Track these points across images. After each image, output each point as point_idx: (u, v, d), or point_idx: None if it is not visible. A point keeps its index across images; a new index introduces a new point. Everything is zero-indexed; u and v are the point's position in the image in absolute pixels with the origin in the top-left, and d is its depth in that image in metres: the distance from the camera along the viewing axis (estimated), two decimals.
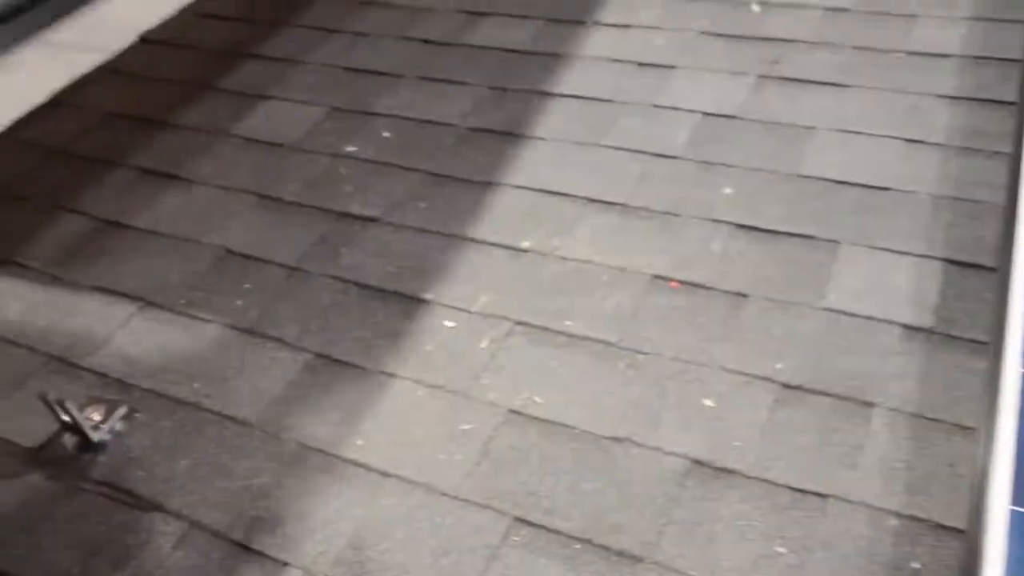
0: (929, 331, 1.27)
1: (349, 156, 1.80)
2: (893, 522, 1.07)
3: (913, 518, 1.07)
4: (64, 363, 1.48)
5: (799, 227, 1.45)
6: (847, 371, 1.24)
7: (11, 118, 2.09)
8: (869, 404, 1.19)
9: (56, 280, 1.65)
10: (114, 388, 1.41)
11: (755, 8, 1.96)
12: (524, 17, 2.10)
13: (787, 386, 1.24)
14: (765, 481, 1.13)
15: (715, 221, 1.49)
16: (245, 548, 1.18)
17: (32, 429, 1.37)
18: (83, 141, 2.00)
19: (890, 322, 1.29)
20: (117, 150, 1.95)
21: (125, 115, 2.06)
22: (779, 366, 1.26)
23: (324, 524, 1.19)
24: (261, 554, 1.17)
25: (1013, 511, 0.94)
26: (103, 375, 1.44)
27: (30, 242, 1.75)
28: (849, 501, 1.10)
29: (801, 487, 1.12)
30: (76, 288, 1.63)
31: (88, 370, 1.45)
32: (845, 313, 1.32)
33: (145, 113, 2.05)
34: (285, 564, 1.15)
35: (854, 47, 1.79)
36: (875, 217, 1.44)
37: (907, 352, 1.25)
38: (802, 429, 1.18)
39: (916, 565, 1.02)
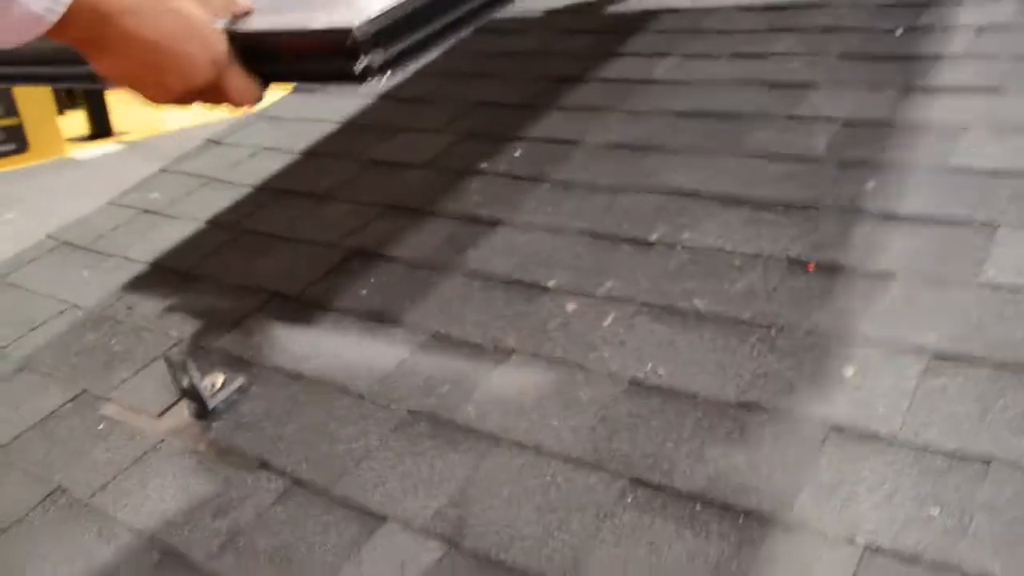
0: None
1: (479, 171, 1.81)
2: None
3: None
4: (193, 345, 1.51)
5: (950, 213, 1.34)
6: (1011, 340, 1.10)
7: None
8: None
9: (192, 278, 1.71)
10: (236, 365, 1.42)
11: (899, 33, 1.89)
12: (661, 55, 2.10)
13: (940, 356, 1.11)
14: (915, 446, 1.00)
15: (857, 211, 1.40)
16: (346, 503, 1.13)
17: (157, 399, 1.40)
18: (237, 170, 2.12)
19: None
20: (251, 173, 2.05)
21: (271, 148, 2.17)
22: (931, 336, 1.13)
23: (427, 483, 1.13)
24: (360, 509, 1.12)
25: None
26: (227, 353, 1.46)
27: (168, 248, 1.84)
28: (1019, 466, 0.95)
29: (958, 452, 0.98)
30: (211, 283, 1.68)
31: (214, 350, 1.48)
32: (1007, 287, 1.18)
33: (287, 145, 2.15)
34: (383, 518, 1.09)
35: (1013, 55, 1.69)
36: None
37: None
38: (958, 396, 1.05)
39: None
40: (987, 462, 0.96)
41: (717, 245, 1.41)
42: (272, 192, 1.98)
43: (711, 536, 0.97)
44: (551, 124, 1.93)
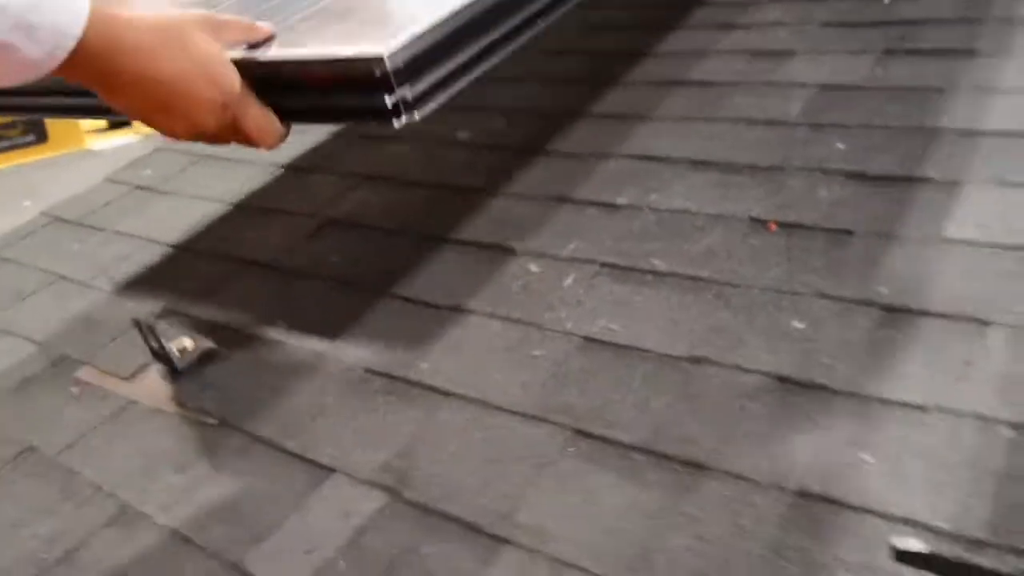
0: None
1: (459, 142, 1.82)
2: (1008, 433, 0.90)
3: None
4: (168, 311, 1.53)
5: (918, 172, 1.32)
6: (962, 294, 1.09)
7: None
8: (986, 322, 1.04)
9: (177, 248, 1.74)
10: (207, 330, 1.44)
11: (887, 1, 1.86)
12: (635, 28, 2.09)
13: (891, 308, 1.10)
14: (856, 395, 0.99)
15: (824, 171, 1.38)
16: (298, 457, 1.14)
17: (130, 362, 1.42)
18: None
19: (1017, 248, 1.13)
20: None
21: None
22: (883, 290, 1.12)
23: (377, 437, 1.14)
24: (312, 462, 1.13)
25: None
26: (198, 319, 1.48)
27: (156, 222, 1.86)
28: (955, 412, 0.94)
29: (897, 400, 0.97)
30: (193, 254, 1.70)
31: (187, 316, 1.50)
32: (964, 242, 1.17)
33: None
34: (332, 470, 1.11)
35: (997, 18, 1.66)
36: (1008, 158, 1.29)
37: None
38: (904, 347, 1.04)
39: None
40: (924, 409, 0.95)
41: (683, 207, 1.40)
42: (262, 167, 1.99)
43: (648, 485, 0.97)
44: (532, 95, 1.93)
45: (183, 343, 1.38)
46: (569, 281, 1.31)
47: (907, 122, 1.45)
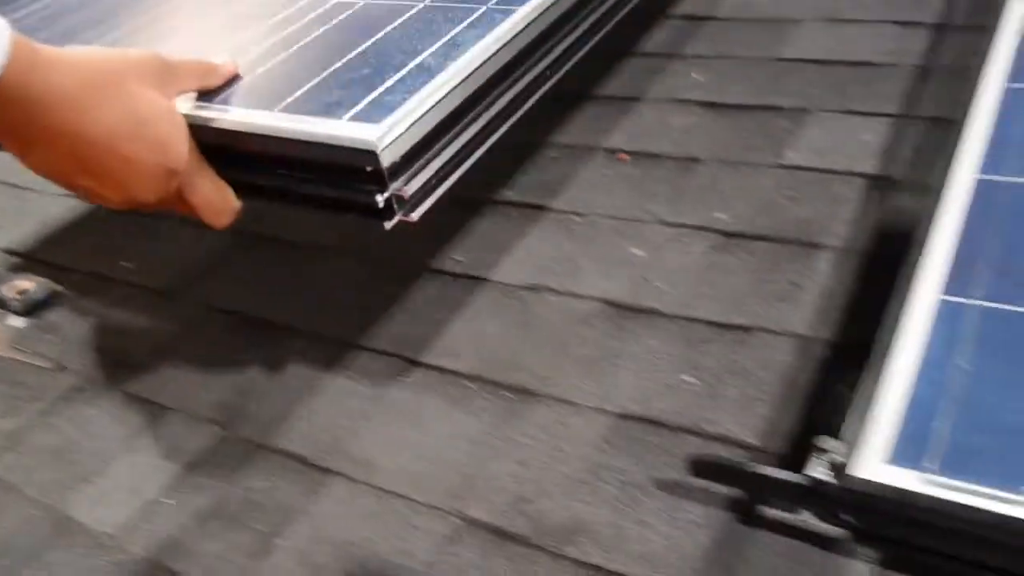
0: (894, 180, 1.12)
1: None
2: (822, 352, 0.92)
3: (847, 345, 0.92)
4: (12, 254, 1.46)
5: (768, 100, 1.33)
6: (796, 218, 1.10)
7: None
8: (815, 245, 1.05)
9: (25, 190, 1.66)
10: (51, 271, 1.38)
11: None
12: None
13: (726, 233, 1.11)
14: (685, 319, 1.00)
15: (678, 101, 1.38)
16: (134, 397, 1.11)
17: None
18: None
19: (852, 173, 1.15)
20: None
21: None
22: (721, 216, 1.13)
23: (217, 376, 1.11)
24: (148, 401, 1.10)
25: (942, 300, 0.79)
26: (44, 261, 1.42)
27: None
28: (776, 332, 0.95)
29: (724, 322, 0.98)
30: (42, 195, 1.62)
31: (33, 259, 1.44)
32: (802, 168, 1.18)
33: None
34: (168, 409, 1.08)
35: None
36: (853, 87, 1.31)
37: (867, 200, 1.10)
38: (736, 271, 1.05)
39: (845, 389, 0.87)
40: (747, 330, 0.96)
41: (539, 139, 1.39)
42: None
43: (476, 413, 0.96)
44: None
45: (21, 285, 1.32)
46: (417, 213, 1.29)
47: (762, 52, 1.45)
